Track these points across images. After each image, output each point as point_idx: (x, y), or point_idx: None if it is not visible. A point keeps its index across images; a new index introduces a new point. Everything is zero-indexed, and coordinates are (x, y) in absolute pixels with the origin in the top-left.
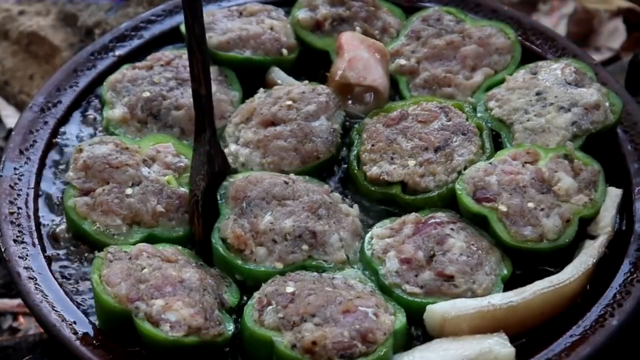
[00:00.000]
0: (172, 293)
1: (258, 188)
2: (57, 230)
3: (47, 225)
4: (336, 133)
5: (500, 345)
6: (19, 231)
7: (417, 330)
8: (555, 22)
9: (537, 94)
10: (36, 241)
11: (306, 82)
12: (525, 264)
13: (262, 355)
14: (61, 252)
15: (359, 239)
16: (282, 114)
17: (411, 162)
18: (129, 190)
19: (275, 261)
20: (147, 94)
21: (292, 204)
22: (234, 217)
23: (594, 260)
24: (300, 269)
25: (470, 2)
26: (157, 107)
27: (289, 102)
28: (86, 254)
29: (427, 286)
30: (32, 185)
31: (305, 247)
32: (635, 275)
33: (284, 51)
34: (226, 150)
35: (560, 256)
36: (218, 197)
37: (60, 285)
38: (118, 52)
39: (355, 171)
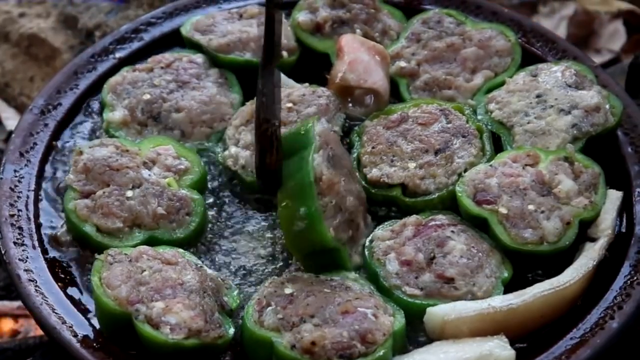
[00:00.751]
0: (172, 295)
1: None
2: (58, 232)
3: (47, 227)
4: (337, 135)
5: (500, 347)
6: (19, 233)
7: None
8: (556, 24)
9: (538, 96)
10: (36, 243)
11: (306, 84)
12: (525, 267)
13: (262, 355)
14: (61, 254)
15: None
16: (282, 116)
17: (411, 165)
18: (129, 193)
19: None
20: (148, 96)
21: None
22: (325, 162)
23: (594, 263)
24: None
25: (470, 5)
26: (158, 109)
27: (289, 105)
28: (86, 257)
29: (427, 288)
30: (33, 187)
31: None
32: (635, 278)
33: (284, 54)
34: (226, 153)
35: (561, 259)
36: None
37: (61, 287)
38: (118, 55)
39: (356, 174)
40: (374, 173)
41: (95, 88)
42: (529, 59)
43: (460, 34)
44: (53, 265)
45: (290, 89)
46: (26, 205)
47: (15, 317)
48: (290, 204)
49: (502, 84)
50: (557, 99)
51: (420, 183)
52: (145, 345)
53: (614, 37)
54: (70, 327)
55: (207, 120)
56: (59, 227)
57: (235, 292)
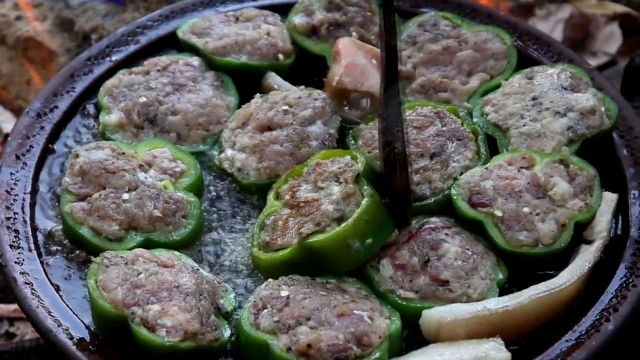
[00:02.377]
0: (168, 298)
1: None
2: (54, 235)
3: (44, 230)
4: (332, 138)
5: (496, 350)
6: (15, 236)
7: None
8: (552, 27)
9: (533, 99)
10: (32, 246)
11: (302, 87)
12: (521, 269)
13: (258, 358)
14: (57, 257)
15: None
16: (278, 119)
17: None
18: (125, 196)
19: None
20: (144, 99)
21: None
22: None
23: (590, 265)
24: None
25: (466, 7)
26: (154, 112)
27: (285, 107)
28: (83, 259)
29: (422, 291)
30: (29, 190)
31: None
32: (631, 280)
33: (280, 56)
34: (222, 155)
35: (556, 261)
36: None
37: (57, 290)
38: (115, 58)
39: None
40: None
41: (92, 91)
42: (524, 61)
43: (456, 36)
44: (49, 268)
45: (287, 92)
46: (22, 208)
47: (12, 320)
48: (360, 226)
49: (498, 86)
50: (552, 101)
51: (416, 188)
52: (142, 347)
53: (610, 40)
54: (66, 329)
55: (203, 123)
56: (55, 230)
57: (232, 295)
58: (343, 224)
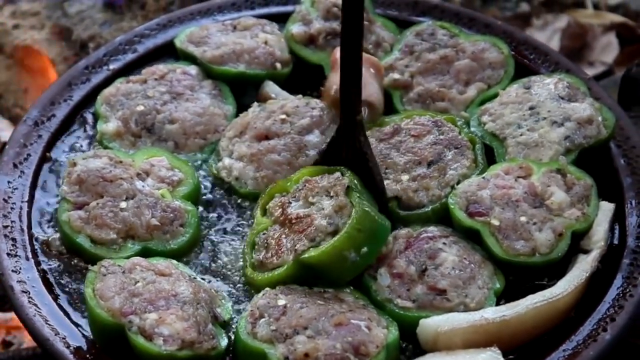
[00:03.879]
0: (165, 307)
1: None
2: (51, 243)
3: (41, 238)
4: None
5: (493, 359)
6: (13, 245)
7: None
8: (549, 36)
9: (530, 108)
10: (30, 255)
11: (300, 96)
12: (518, 278)
13: None
14: (55, 265)
15: None
16: (275, 128)
17: (404, 177)
18: (123, 204)
19: None
20: (141, 107)
21: None
22: None
23: (587, 275)
24: None
25: (464, 17)
26: (151, 120)
27: (283, 116)
28: (80, 268)
29: (420, 300)
30: (26, 198)
31: None
32: (628, 290)
33: (278, 65)
34: (220, 164)
35: (554, 270)
36: None
37: (54, 298)
38: (112, 66)
39: None
40: None
41: (89, 99)
42: (522, 71)
43: (453, 46)
44: (46, 277)
45: (284, 101)
46: (19, 217)
47: (8, 328)
48: (354, 237)
49: (495, 96)
50: (549, 111)
51: (413, 196)
52: (139, 356)
53: (607, 50)
54: (63, 338)
55: (201, 132)
56: (52, 238)
57: (229, 304)
58: (336, 237)
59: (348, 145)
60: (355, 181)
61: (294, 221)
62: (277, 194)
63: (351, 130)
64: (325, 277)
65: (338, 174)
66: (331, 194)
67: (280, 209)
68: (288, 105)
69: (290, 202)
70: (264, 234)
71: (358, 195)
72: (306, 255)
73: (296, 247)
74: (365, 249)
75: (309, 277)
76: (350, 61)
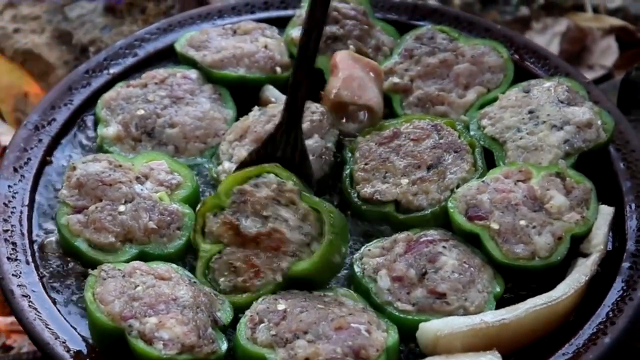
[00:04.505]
0: (165, 311)
1: None
2: (51, 247)
3: (41, 242)
4: (329, 152)
5: None
6: (13, 249)
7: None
8: (548, 40)
9: (530, 112)
10: (30, 259)
11: None
12: (517, 282)
13: None
14: (55, 269)
15: None
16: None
17: (404, 181)
18: (121, 208)
19: None
20: (141, 111)
21: None
22: None
23: (587, 278)
24: None
25: (463, 21)
26: (151, 124)
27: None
28: (80, 272)
29: (419, 304)
30: (26, 202)
31: None
32: (627, 293)
33: (278, 69)
34: (220, 168)
35: (553, 274)
36: None
37: (54, 303)
38: (112, 70)
39: (348, 190)
40: (366, 190)
41: (90, 104)
42: (521, 75)
43: (453, 50)
44: (46, 281)
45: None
46: (20, 221)
47: (9, 332)
48: (335, 241)
49: (495, 99)
50: (549, 114)
51: (413, 199)
52: None
53: (607, 53)
54: (63, 342)
55: (201, 136)
56: (52, 242)
57: (229, 308)
58: (322, 246)
59: (288, 143)
60: (294, 179)
61: (258, 240)
62: (209, 212)
63: (294, 128)
64: (311, 283)
65: (272, 176)
66: (284, 203)
67: (231, 230)
68: None
69: (238, 220)
70: (219, 257)
71: (312, 197)
72: (297, 269)
73: (281, 267)
74: (343, 249)
75: (292, 286)
76: (305, 54)
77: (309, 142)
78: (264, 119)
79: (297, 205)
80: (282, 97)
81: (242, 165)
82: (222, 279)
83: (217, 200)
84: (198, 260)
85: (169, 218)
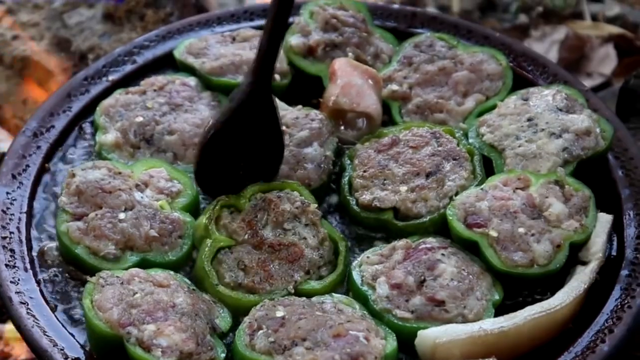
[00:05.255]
0: (163, 318)
1: None
2: (50, 254)
3: (40, 250)
4: (328, 160)
5: None
6: (11, 256)
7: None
8: (547, 48)
9: (529, 120)
10: (28, 266)
11: (299, 106)
12: (516, 289)
13: None
14: (53, 276)
15: None
16: None
17: (403, 188)
18: (122, 215)
19: None
20: (140, 118)
21: None
22: None
23: (585, 286)
24: None
25: (462, 29)
26: (150, 131)
27: (283, 128)
28: (78, 279)
29: (418, 311)
30: (25, 209)
31: None
32: (626, 301)
33: (277, 77)
34: None
35: (552, 282)
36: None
37: (52, 310)
38: (111, 77)
39: (347, 197)
40: (365, 197)
41: (88, 110)
42: (520, 82)
43: (451, 57)
44: (44, 288)
45: (284, 112)
46: (18, 228)
47: (7, 339)
48: (346, 266)
49: (494, 107)
50: (548, 122)
51: (412, 206)
52: None
53: (605, 61)
54: (61, 349)
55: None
56: (51, 249)
57: (227, 315)
58: (337, 274)
59: (259, 112)
60: (316, 202)
61: (276, 247)
62: (226, 208)
63: (267, 97)
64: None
65: (296, 194)
66: (304, 222)
67: (250, 230)
68: (287, 117)
69: (258, 224)
70: (230, 252)
71: (330, 226)
72: (307, 288)
73: (295, 278)
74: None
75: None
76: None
77: (308, 150)
78: None
79: (318, 228)
80: (282, 105)
81: (211, 128)
82: (228, 274)
83: (236, 200)
84: (203, 247)
85: (170, 226)
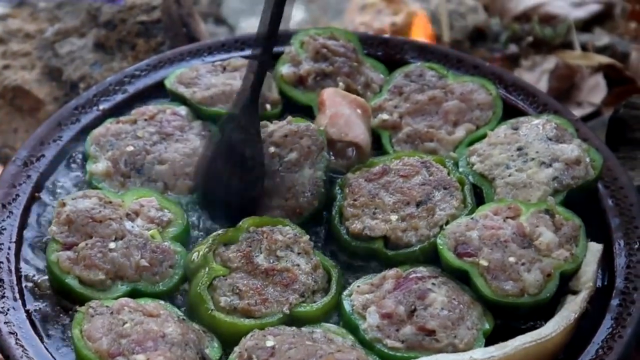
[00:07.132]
0: (153, 348)
1: None
2: (39, 284)
3: (29, 279)
4: (319, 182)
5: None
6: (0, 285)
7: None
8: (537, 77)
9: (519, 149)
10: (17, 295)
11: (289, 117)
12: (507, 319)
13: None
14: (42, 306)
15: None
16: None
17: (393, 217)
18: (112, 245)
19: None
20: (131, 148)
21: None
22: None
23: (576, 316)
24: None
25: (452, 58)
26: (141, 161)
27: (271, 149)
28: (68, 309)
29: (409, 341)
30: (14, 239)
31: None
32: (617, 331)
33: (268, 106)
34: None
35: (542, 311)
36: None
37: (41, 340)
38: (102, 106)
39: (338, 226)
40: (356, 226)
41: (79, 140)
42: (510, 112)
43: (442, 87)
44: (34, 318)
45: (272, 127)
46: (7, 257)
47: None
48: (339, 293)
49: (484, 136)
50: (538, 152)
51: (402, 235)
52: None
53: (595, 91)
54: None
55: (190, 173)
56: (40, 279)
57: (217, 344)
58: (327, 297)
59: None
60: (306, 237)
61: (270, 273)
62: (222, 244)
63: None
64: (305, 323)
65: (288, 228)
66: (297, 251)
67: (244, 259)
68: (276, 135)
69: (253, 252)
70: (225, 279)
71: (323, 255)
72: (302, 311)
73: (290, 301)
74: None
75: (288, 323)
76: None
77: (298, 176)
78: None
79: (310, 256)
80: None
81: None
82: (223, 298)
83: (231, 233)
84: (199, 275)
85: (161, 256)
